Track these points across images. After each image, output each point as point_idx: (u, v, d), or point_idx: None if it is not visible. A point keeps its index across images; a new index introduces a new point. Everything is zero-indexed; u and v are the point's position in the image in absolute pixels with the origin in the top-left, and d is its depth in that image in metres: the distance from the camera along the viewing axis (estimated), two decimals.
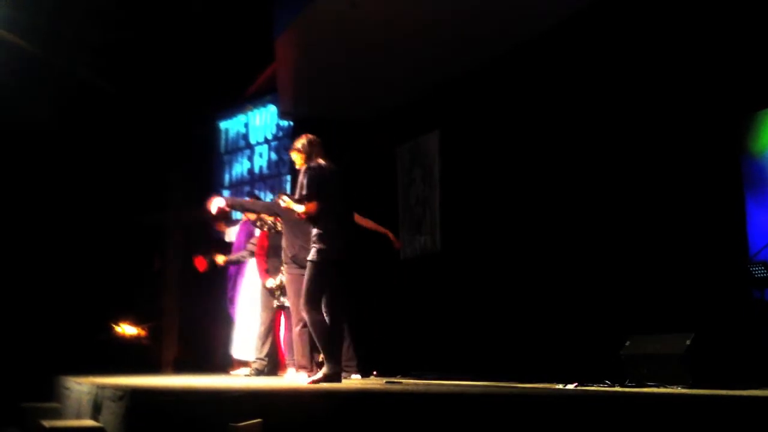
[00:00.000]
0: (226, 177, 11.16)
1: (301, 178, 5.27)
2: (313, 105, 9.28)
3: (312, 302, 5.13)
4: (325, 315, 5.09)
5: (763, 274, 5.05)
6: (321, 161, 5.38)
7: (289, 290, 6.39)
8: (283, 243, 6.21)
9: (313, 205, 5.16)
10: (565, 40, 6.87)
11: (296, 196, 5.27)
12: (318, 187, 5.20)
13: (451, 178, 8.36)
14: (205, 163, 11.40)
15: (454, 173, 8.32)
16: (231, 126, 11.27)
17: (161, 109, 10.62)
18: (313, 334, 5.17)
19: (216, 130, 11.42)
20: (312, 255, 5.17)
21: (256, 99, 10.72)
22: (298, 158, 5.49)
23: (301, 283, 6.40)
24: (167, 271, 11.01)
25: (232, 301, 7.68)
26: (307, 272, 5.20)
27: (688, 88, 5.74)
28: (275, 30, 7.96)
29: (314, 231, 5.21)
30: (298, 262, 6.29)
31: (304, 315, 5.19)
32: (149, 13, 9.73)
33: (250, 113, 10.89)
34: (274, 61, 8.68)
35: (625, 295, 5.95)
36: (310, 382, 4.91)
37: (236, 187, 10.90)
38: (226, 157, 11.23)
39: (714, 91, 5.58)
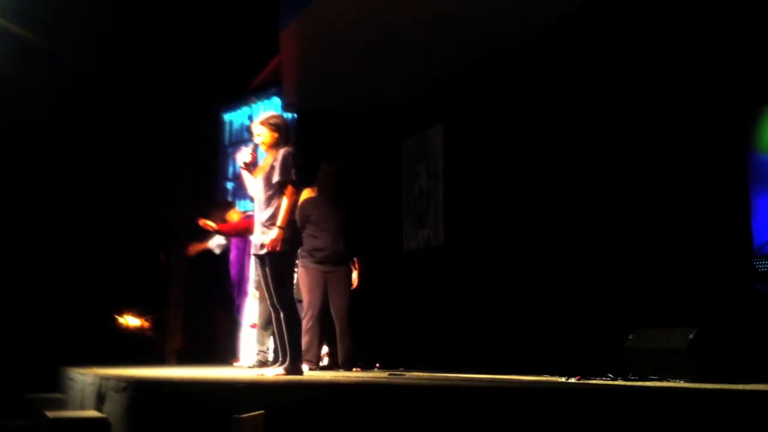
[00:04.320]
0: (230, 169, 11.15)
1: (276, 160, 4.96)
2: (317, 97, 9.28)
3: (292, 294, 5.04)
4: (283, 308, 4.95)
5: (767, 268, 5.04)
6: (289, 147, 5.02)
7: (302, 283, 6.46)
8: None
9: (292, 192, 4.91)
10: (570, 35, 6.85)
11: (262, 178, 4.99)
12: (296, 173, 4.94)
13: (454, 172, 8.37)
14: (209, 155, 11.40)
15: (457, 167, 8.32)
16: (235, 118, 11.25)
17: (165, 100, 10.61)
18: (291, 330, 4.92)
19: (220, 122, 11.41)
20: (282, 246, 4.85)
21: (260, 91, 10.70)
22: (268, 135, 5.04)
23: (316, 276, 6.46)
24: (172, 263, 11.02)
25: (239, 309, 7.67)
26: (278, 264, 4.91)
27: (694, 81, 5.72)
28: (280, 22, 7.96)
29: (276, 218, 4.88)
30: (315, 257, 6.44)
31: (285, 310, 4.91)
32: (153, 5, 9.72)
33: (254, 105, 10.88)
34: (279, 53, 8.67)
35: (629, 289, 5.94)
36: (275, 375, 4.77)
37: (240, 179, 10.89)
38: (230, 149, 11.22)
39: (720, 84, 5.56)
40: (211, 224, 7.37)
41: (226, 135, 11.33)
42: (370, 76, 8.48)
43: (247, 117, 11.03)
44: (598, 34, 6.53)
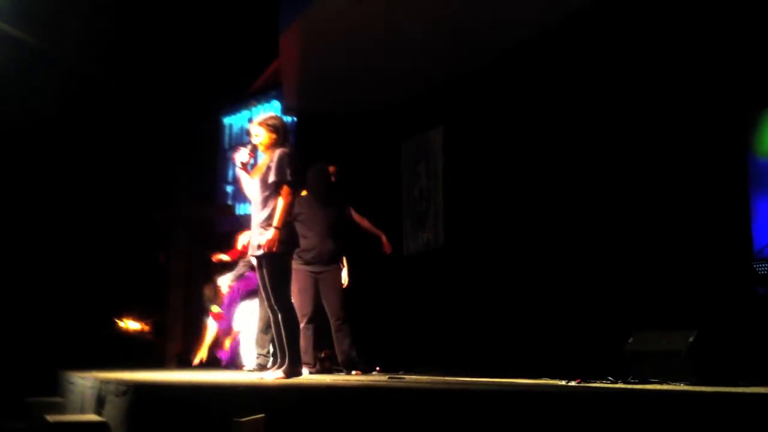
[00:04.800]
0: (230, 172, 11.16)
1: (272, 161, 4.93)
2: (317, 100, 9.29)
3: (289, 296, 5.02)
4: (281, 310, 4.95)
5: (767, 271, 5.04)
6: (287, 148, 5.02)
7: (293, 286, 6.40)
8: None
9: (288, 192, 4.90)
10: (569, 36, 6.86)
11: (259, 178, 4.96)
12: (295, 174, 4.93)
13: (454, 174, 8.37)
14: (209, 158, 11.41)
15: (457, 169, 8.33)
16: (235, 121, 11.27)
17: (165, 103, 10.62)
18: (290, 331, 4.91)
19: (220, 126, 11.42)
20: (278, 247, 4.82)
21: (260, 94, 10.72)
22: (266, 136, 5.02)
23: (305, 279, 6.42)
24: (171, 265, 11.02)
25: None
26: (274, 265, 4.90)
27: (694, 84, 5.73)
28: (280, 25, 7.96)
29: (273, 219, 4.86)
30: (303, 258, 6.35)
31: (283, 311, 4.91)
32: (154, 7, 9.73)
33: (254, 109, 10.89)
34: (279, 56, 8.68)
35: (629, 292, 5.94)
36: (275, 378, 4.76)
37: (238, 182, 10.90)
38: (229, 153, 11.23)
39: (719, 88, 5.56)
40: (224, 257, 7.53)
41: (226, 138, 11.34)
42: (369, 77, 8.48)
43: (247, 120, 11.03)
44: (598, 37, 6.54)
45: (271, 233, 4.82)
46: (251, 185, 5.08)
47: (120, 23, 9.60)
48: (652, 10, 6.09)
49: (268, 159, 5.01)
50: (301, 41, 7.96)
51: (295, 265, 6.25)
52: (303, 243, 6.25)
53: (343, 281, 6.61)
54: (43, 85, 9.27)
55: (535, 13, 6.85)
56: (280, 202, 4.88)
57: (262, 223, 4.93)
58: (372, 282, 8.25)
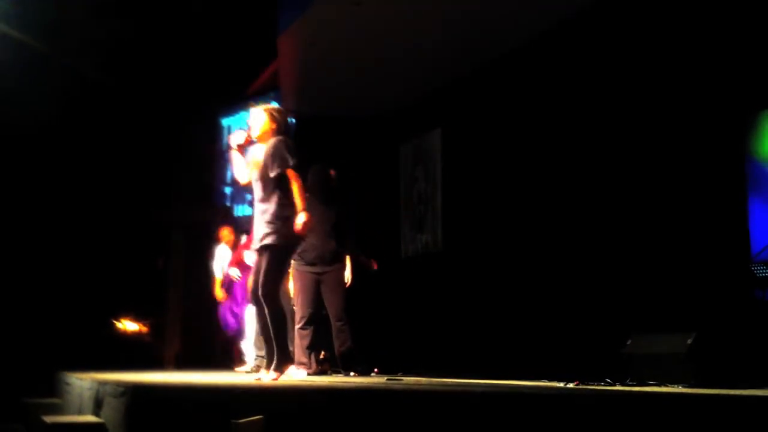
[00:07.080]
0: (228, 174, 11.16)
1: (270, 150, 4.89)
2: (315, 102, 9.29)
3: (278, 291, 4.98)
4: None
5: (765, 273, 5.05)
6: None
7: (294, 286, 6.39)
8: None
9: (295, 174, 4.84)
10: (567, 39, 6.87)
11: (259, 174, 4.91)
12: (292, 156, 4.86)
13: (452, 177, 8.37)
14: (207, 159, 11.41)
15: (455, 172, 8.33)
16: (233, 123, 11.26)
17: (164, 105, 10.62)
18: (276, 325, 4.84)
19: (218, 127, 11.42)
20: (278, 239, 4.81)
21: (258, 96, 10.70)
22: (265, 122, 5.01)
23: (306, 280, 6.40)
24: (170, 267, 11.02)
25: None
26: (277, 256, 4.84)
27: (692, 87, 5.73)
28: (279, 27, 7.96)
29: (277, 212, 4.84)
30: (305, 259, 6.34)
31: (268, 303, 4.83)
32: (152, 9, 9.74)
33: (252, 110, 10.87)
34: (277, 58, 8.68)
35: (627, 294, 5.95)
36: (273, 379, 4.74)
37: (237, 183, 10.90)
38: (227, 154, 11.22)
39: (718, 91, 5.57)
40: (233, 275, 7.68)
41: (225, 140, 11.34)
42: (368, 80, 8.49)
43: (245, 122, 11.02)
44: (597, 39, 6.55)
45: (301, 217, 4.78)
46: (252, 180, 5.04)
47: (119, 25, 9.61)
48: (652, 13, 6.09)
49: (264, 152, 4.96)
50: (300, 43, 7.96)
51: (297, 266, 6.25)
52: (305, 243, 6.24)
53: (345, 280, 6.61)
54: (43, 87, 9.27)
55: (534, 16, 6.85)
56: (294, 187, 4.84)
57: (268, 217, 4.87)
58: (370, 284, 8.24)
